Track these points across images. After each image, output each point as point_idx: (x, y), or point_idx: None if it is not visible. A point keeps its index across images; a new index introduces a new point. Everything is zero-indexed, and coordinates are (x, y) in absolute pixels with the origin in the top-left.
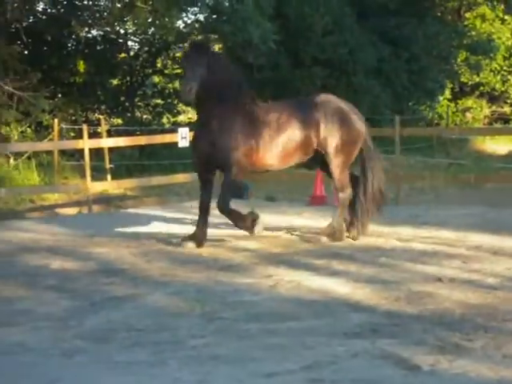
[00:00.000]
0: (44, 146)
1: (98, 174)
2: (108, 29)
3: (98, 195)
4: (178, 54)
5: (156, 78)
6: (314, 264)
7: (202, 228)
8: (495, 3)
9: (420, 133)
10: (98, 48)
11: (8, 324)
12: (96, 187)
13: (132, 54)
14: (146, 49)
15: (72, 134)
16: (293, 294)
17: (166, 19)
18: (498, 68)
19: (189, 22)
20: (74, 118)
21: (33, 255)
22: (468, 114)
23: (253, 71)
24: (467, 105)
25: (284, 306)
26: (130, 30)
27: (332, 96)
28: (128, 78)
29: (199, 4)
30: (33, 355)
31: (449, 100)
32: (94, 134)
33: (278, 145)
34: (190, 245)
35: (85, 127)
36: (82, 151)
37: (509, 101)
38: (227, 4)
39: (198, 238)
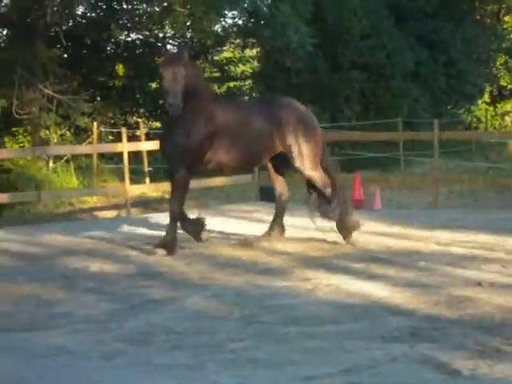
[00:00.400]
0: (83, 149)
1: (137, 177)
2: (147, 32)
3: (136, 198)
4: (216, 58)
5: None
6: (353, 268)
7: (173, 234)
8: None
9: (459, 136)
10: (137, 52)
11: (48, 327)
12: (134, 190)
13: None
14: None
15: (111, 138)
16: (331, 297)
17: (205, 23)
18: None
19: (227, 25)
20: (112, 121)
21: (72, 258)
22: (507, 118)
23: (290, 75)
24: (506, 108)
25: (322, 310)
26: (169, 34)
27: (292, 99)
28: None
29: (238, 8)
30: (73, 358)
31: (487, 104)
32: (132, 137)
33: (236, 143)
34: (161, 252)
35: (124, 130)
36: (120, 154)
37: None
38: (265, 8)
39: (169, 244)
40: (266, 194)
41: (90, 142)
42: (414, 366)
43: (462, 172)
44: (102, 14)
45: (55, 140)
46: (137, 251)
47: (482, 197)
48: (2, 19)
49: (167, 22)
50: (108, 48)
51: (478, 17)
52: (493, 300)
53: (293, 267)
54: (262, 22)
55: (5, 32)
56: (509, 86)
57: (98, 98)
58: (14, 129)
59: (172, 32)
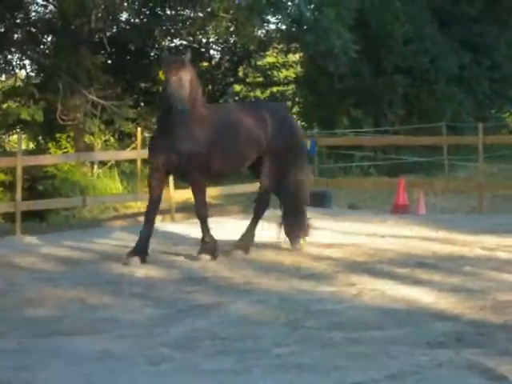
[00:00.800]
0: (127, 154)
1: (181, 182)
2: (190, 38)
3: (180, 204)
4: (259, 63)
5: (237, 87)
6: (398, 273)
7: (211, 237)
8: None
9: (503, 140)
10: None
11: (94, 332)
12: (179, 196)
13: (214, 62)
14: (228, 57)
15: None
16: (376, 302)
17: (248, 28)
18: None
19: (270, 30)
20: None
21: (117, 263)
22: None
23: (334, 80)
24: None
25: (367, 315)
26: (212, 39)
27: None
28: (210, 87)
29: (281, 13)
30: (119, 363)
31: None
32: None
33: (230, 149)
34: (205, 257)
35: None
36: None
37: None
38: (308, 14)
39: (211, 248)
40: (311, 199)
41: (134, 148)
42: (459, 371)
43: (507, 176)
44: (145, 20)
45: (99, 146)
46: (181, 256)
47: None
48: (47, 26)
49: (210, 27)
50: (151, 54)
51: None
52: None
53: (337, 272)
54: (305, 27)
55: (49, 38)
56: None
57: (142, 104)
58: (57, 135)
59: (215, 37)
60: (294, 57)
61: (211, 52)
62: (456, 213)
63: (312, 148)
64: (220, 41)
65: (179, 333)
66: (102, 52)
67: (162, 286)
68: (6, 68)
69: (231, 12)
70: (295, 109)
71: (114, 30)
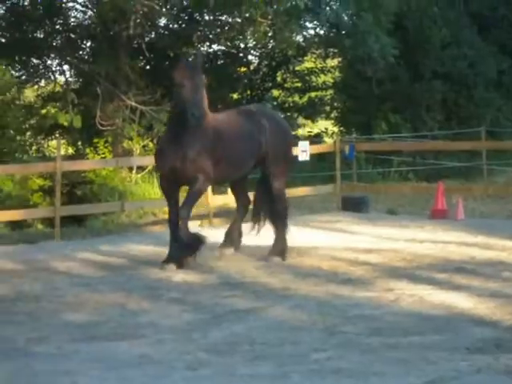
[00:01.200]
0: None
1: (218, 187)
2: (228, 43)
3: (218, 208)
4: (297, 68)
5: (276, 92)
6: (436, 278)
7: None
8: None
9: None
10: (219, 63)
11: (133, 336)
12: (217, 200)
13: (252, 68)
14: (266, 63)
15: None
16: (414, 308)
17: (286, 33)
18: None
19: (308, 36)
20: None
21: (155, 268)
22: None
23: (372, 85)
24: None
25: (406, 321)
26: (250, 44)
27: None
28: (248, 92)
29: (319, 19)
30: (158, 367)
31: None
32: None
33: (236, 155)
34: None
35: None
36: None
37: None
38: (346, 18)
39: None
40: (349, 204)
41: None
42: (498, 377)
43: None
44: (183, 25)
45: (138, 151)
46: (219, 261)
47: None
48: (86, 31)
49: (248, 32)
50: (190, 59)
51: None
52: None
53: (375, 277)
54: (343, 32)
55: (88, 44)
56: None
57: None
58: (95, 140)
59: (253, 42)
60: (333, 62)
61: (249, 57)
62: (495, 218)
63: (350, 153)
64: (258, 46)
65: (217, 338)
66: (141, 57)
67: (200, 290)
68: (46, 73)
69: (269, 17)
70: (333, 114)
71: (153, 36)
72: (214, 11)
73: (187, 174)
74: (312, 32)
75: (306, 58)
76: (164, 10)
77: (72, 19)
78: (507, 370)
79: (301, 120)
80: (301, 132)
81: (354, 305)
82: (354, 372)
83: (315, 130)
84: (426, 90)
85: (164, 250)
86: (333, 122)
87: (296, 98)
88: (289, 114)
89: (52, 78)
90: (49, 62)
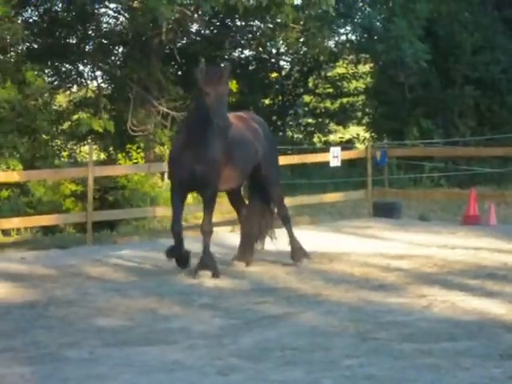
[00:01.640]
0: None
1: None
2: (260, 49)
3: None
4: (329, 74)
5: (307, 98)
6: (469, 284)
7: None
8: None
9: None
10: (251, 68)
11: (165, 342)
12: None
13: (284, 73)
14: (298, 68)
15: None
16: (447, 314)
17: (318, 39)
18: None
19: (340, 41)
20: None
21: (186, 274)
22: None
23: (404, 90)
24: None
25: (438, 327)
26: (282, 50)
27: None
28: (280, 98)
29: (351, 24)
30: (189, 373)
31: None
32: None
33: (241, 162)
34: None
35: None
36: None
37: None
38: (378, 23)
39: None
40: (380, 210)
41: None
42: None
43: None
44: (215, 31)
45: None
46: (250, 267)
47: None
48: (119, 37)
49: (280, 38)
50: (221, 65)
51: None
52: None
53: (407, 283)
54: (375, 37)
55: (121, 50)
56: None
57: None
58: (127, 145)
59: (285, 48)
60: (364, 67)
61: (281, 63)
62: None
63: (382, 159)
64: (290, 51)
65: (249, 343)
66: (173, 63)
67: (232, 296)
68: (78, 79)
69: (301, 22)
70: (365, 120)
71: (185, 42)
72: (246, 17)
73: (206, 181)
74: (344, 37)
75: (337, 63)
76: (196, 15)
77: (104, 25)
78: None
79: (332, 126)
80: (332, 138)
81: (386, 311)
82: (385, 378)
83: (347, 136)
84: (458, 96)
85: (196, 255)
86: (364, 127)
87: (328, 103)
88: (320, 119)
89: (84, 83)
90: (81, 67)
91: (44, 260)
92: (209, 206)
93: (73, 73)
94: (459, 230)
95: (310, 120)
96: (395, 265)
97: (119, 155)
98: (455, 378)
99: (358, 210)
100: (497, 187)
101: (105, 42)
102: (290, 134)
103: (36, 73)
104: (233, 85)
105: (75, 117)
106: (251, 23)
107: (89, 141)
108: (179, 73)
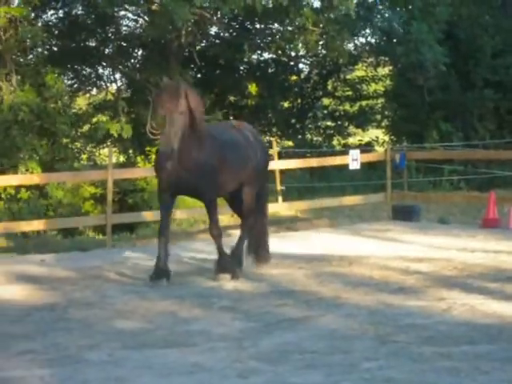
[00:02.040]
0: None
1: (269, 195)
2: (279, 51)
3: (269, 217)
4: (348, 76)
5: (326, 101)
6: (488, 287)
7: (165, 256)
8: None
9: None
10: (270, 71)
11: (185, 344)
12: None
13: (303, 76)
14: (317, 71)
15: None
16: (466, 317)
17: (338, 42)
18: None
19: (359, 44)
20: None
21: (207, 276)
22: None
23: (423, 93)
24: None
25: (457, 330)
26: (301, 53)
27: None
28: (299, 101)
29: (371, 27)
30: (209, 375)
31: None
32: None
33: (234, 169)
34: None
35: None
36: None
37: None
38: (397, 26)
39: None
40: (399, 213)
41: None
42: None
43: None
44: (235, 34)
45: None
46: (270, 269)
47: None
48: (138, 40)
49: (300, 40)
50: (241, 68)
51: None
52: None
53: (426, 286)
54: (395, 40)
55: (140, 52)
56: None
57: (231, 118)
58: (147, 148)
59: (304, 51)
60: (384, 70)
61: (300, 65)
62: None
63: (401, 162)
64: (309, 54)
65: (268, 346)
66: (192, 66)
67: (251, 299)
68: (97, 82)
69: (321, 25)
70: (384, 122)
71: (204, 44)
72: (265, 20)
73: (200, 187)
74: (363, 40)
75: (356, 66)
76: (215, 18)
77: (124, 28)
78: None
79: (351, 129)
80: (351, 141)
81: (406, 314)
82: (405, 381)
83: (366, 139)
84: (478, 99)
85: (215, 258)
86: (383, 130)
87: (347, 106)
88: (339, 122)
89: (103, 86)
90: (100, 70)
91: (63, 262)
92: (213, 214)
93: (92, 76)
94: (479, 233)
95: (329, 123)
96: (414, 268)
97: (138, 158)
98: (475, 382)
99: (377, 213)
100: None
101: (124, 44)
102: (309, 136)
103: (56, 76)
104: (252, 88)
105: (94, 120)
106: (270, 26)
107: (108, 143)
108: (198, 75)
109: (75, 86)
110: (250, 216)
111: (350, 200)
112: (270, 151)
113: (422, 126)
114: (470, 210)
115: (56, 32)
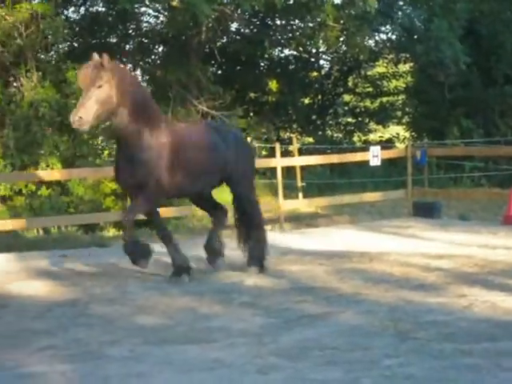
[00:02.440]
0: None
1: (290, 192)
2: (300, 48)
3: (289, 213)
4: (369, 73)
5: (347, 97)
6: (510, 284)
7: (179, 255)
8: None
9: None
10: (290, 67)
11: (205, 340)
12: (287, 205)
13: (323, 72)
14: (338, 67)
15: (264, 153)
16: (487, 314)
17: (358, 38)
18: None
19: (380, 40)
20: (266, 136)
21: (227, 272)
22: None
23: (444, 90)
24: None
25: (478, 327)
26: (322, 49)
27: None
28: (319, 97)
29: (391, 23)
30: (229, 371)
31: None
32: (285, 153)
33: (191, 168)
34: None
35: (277, 146)
36: (274, 169)
37: None
38: (418, 23)
39: (183, 265)
40: (420, 210)
41: None
42: None
43: None
44: (255, 30)
45: None
46: (290, 266)
47: None
48: (159, 36)
49: (320, 37)
50: (262, 64)
51: None
52: None
53: (447, 283)
54: (416, 37)
55: (160, 49)
56: None
57: (252, 114)
58: None
59: (325, 47)
60: (404, 67)
61: (321, 62)
62: None
63: (422, 158)
64: (330, 51)
65: (288, 342)
66: (212, 62)
67: (271, 295)
68: None
69: (342, 22)
70: (405, 119)
71: (224, 41)
72: (286, 16)
73: (141, 183)
74: (384, 36)
75: (377, 62)
76: (235, 14)
77: (144, 24)
78: None
79: (372, 125)
80: (372, 137)
81: (426, 311)
82: (425, 378)
83: (386, 135)
84: (499, 95)
85: (235, 254)
86: (404, 127)
87: (367, 103)
88: (360, 119)
89: None
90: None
91: (84, 258)
92: (134, 203)
93: None
94: (500, 230)
95: (349, 119)
96: (435, 264)
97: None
98: (496, 379)
99: (398, 210)
100: None
101: (145, 41)
102: (329, 133)
103: (77, 72)
104: (273, 84)
105: None
106: (291, 22)
107: None
108: (219, 72)
109: None
110: (259, 227)
111: (370, 196)
112: (290, 147)
113: (442, 122)
114: (491, 206)
115: (77, 28)
